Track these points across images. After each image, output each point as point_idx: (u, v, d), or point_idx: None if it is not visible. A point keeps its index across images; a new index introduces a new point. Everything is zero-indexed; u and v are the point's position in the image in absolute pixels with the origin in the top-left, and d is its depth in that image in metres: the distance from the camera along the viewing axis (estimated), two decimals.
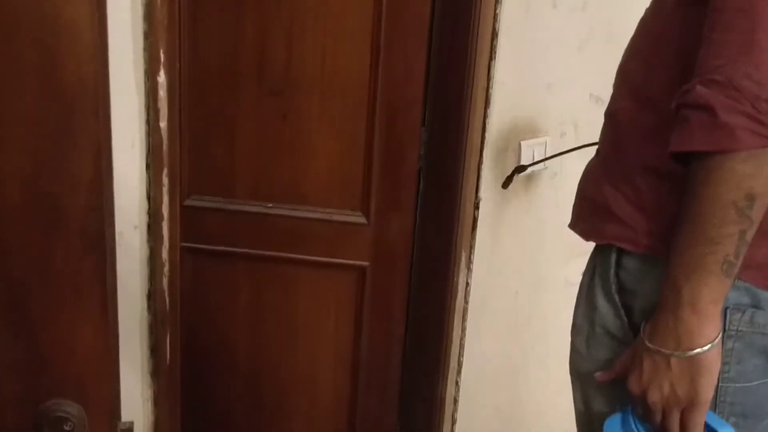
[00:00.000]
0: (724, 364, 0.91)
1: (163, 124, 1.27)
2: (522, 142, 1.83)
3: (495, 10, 1.67)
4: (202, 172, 1.85)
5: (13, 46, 0.59)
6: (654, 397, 0.91)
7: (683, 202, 0.88)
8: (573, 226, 1.11)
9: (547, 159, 1.82)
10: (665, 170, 0.93)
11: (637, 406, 0.96)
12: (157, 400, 1.41)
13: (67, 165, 0.62)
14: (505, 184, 1.38)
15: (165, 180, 1.32)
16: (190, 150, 1.82)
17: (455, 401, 1.92)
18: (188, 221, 1.83)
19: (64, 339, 0.66)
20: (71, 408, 0.69)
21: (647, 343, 0.91)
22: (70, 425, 0.68)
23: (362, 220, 1.85)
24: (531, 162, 1.39)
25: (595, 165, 1.08)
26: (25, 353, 0.66)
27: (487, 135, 1.76)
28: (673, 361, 0.89)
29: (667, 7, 0.96)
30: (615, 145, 1.02)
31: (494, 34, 1.69)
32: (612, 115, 1.05)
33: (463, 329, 1.87)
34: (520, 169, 1.37)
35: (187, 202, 1.85)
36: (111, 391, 0.70)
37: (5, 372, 0.67)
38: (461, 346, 1.88)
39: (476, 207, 1.80)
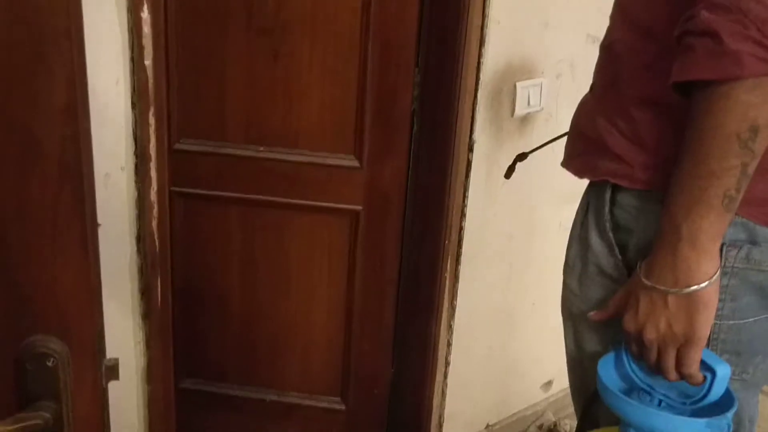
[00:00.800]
0: (720, 300, 0.90)
1: (148, 61, 1.24)
2: (517, 84, 1.80)
3: None
4: (192, 115, 1.82)
5: None
6: (650, 334, 0.90)
7: (684, 134, 0.85)
8: (566, 164, 1.09)
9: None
10: (664, 102, 0.90)
11: (632, 344, 0.95)
12: (149, 343, 1.40)
13: (39, 91, 0.60)
14: (508, 173, 1.35)
15: (152, 120, 1.29)
16: (178, 92, 1.79)
17: (449, 344, 1.92)
18: (178, 165, 1.80)
19: (44, 272, 0.65)
20: (54, 344, 0.67)
21: (644, 280, 0.90)
22: (53, 361, 0.67)
23: (355, 163, 1.82)
24: (532, 148, 1.35)
25: (589, 100, 1.06)
26: (3, 287, 0.65)
27: (481, 76, 1.73)
28: (671, 298, 0.88)
29: None
30: (611, 78, 1.00)
31: None
32: (608, 48, 1.02)
33: (457, 273, 1.87)
34: (522, 156, 1.34)
35: (177, 146, 1.82)
36: (94, 326, 0.68)
37: None
38: (455, 290, 1.88)
39: (470, 149, 1.77)
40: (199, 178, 1.86)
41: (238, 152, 1.83)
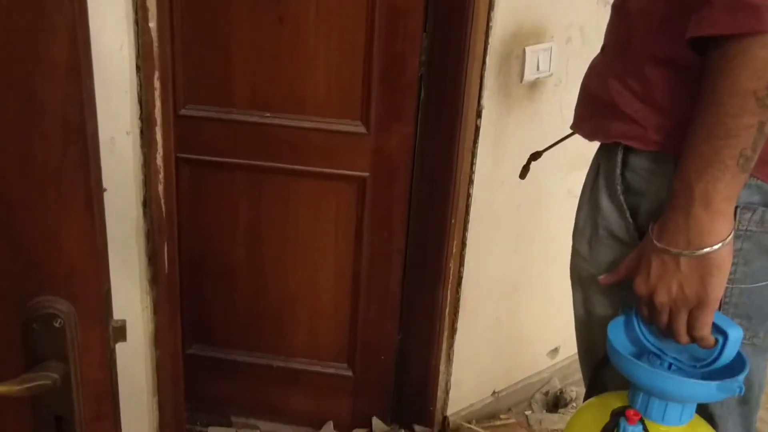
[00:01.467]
0: (732, 264, 0.89)
1: (152, 24, 1.22)
2: (526, 48, 1.78)
3: None
4: (197, 81, 1.80)
5: None
6: (662, 297, 0.90)
7: (700, 93, 0.84)
8: (575, 126, 1.08)
9: None
10: (679, 62, 0.89)
11: (642, 307, 0.95)
12: (157, 308, 1.41)
13: (41, 49, 0.59)
14: (522, 174, 1.33)
15: (157, 83, 1.27)
16: (183, 57, 1.77)
17: (455, 312, 1.92)
18: (184, 131, 1.79)
19: (49, 233, 0.64)
20: (60, 305, 0.67)
21: (655, 242, 0.89)
22: (60, 321, 0.67)
23: (362, 129, 1.81)
24: (546, 147, 1.33)
25: (599, 61, 1.04)
26: (9, 248, 0.64)
27: (490, 41, 1.70)
28: (683, 260, 0.87)
29: None
30: (623, 38, 0.98)
31: None
32: (620, 7, 1.00)
33: (464, 241, 1.86)
34: (536, 155, 1.32)
35: (183, 112, 1.81)
36: (100, 287, 0.68)
37: None
38: (462, 258, 1.88)
39: (479, 115, 1.75)
40: (205, 145, 1.85)
41: (244, 118, 1.82)
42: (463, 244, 1.86)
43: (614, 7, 1.02)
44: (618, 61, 0.98)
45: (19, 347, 0.67)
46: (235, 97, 1.81)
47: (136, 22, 1.21)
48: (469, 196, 1.81)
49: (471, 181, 1.80)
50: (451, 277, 1.88)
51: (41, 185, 0.63)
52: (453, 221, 1.82)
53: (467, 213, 1.83)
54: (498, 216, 1.91)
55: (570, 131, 1.20)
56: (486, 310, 2.02)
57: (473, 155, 1.78)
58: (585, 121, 1.05)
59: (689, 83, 0.87)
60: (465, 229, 1.85)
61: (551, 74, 1.83)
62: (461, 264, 1.89)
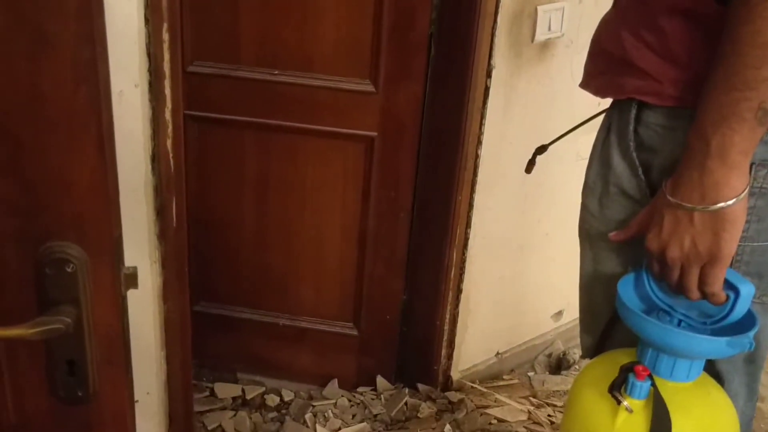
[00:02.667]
0: (745, 222, 0.88)
1: None
2: (538, 7, 1.75)
3: None
4: (205, 37, 1.79)
5: None
6: (674, 253, 0.89)
7: (719, 44, 0.82)
8: (585, 84, 1.06)
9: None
10: (698, 12, 0.87)
11: (653, 263, 0.94)
12: (165, 263, 1.41)
13: None
14: (528, 168, 1.31)
15: (165, 36, 1.26)
16: (191, 13, 1.75)
17: (461, 271, 1.93)
18: (192, 88, 1.78)
19: (60, 176, 0.64)
20: (72, 249, 0.67)
21: (669, 197, 0.88)
22: (72, 267, 0.67)
23: (371, 88, 1.79)
24: (552, 140, 1.31)
25: (612, 16, 1.02)
26: (20, 190, 0.64)
27: None
28: (696, 215, 0.86)
29: None
30: None
31: None
32: None
33: (472, 201, 1.86)
34: (542, 149, 1.30)
35: (191, 69, 1.80)
36: (112, 232, 0.68)
37: (1, 209, 0.64)
38: (469, 218, 1.87)
39: (488, 75, 1.74)
40: (213, 102, 1.84)
41: (252, 75, 1.80)
42: (470, 205, 1.86)
43: None
44: (632, 14, 0.96)
45: (32, 291, 0.67)
46: (243, 54, 1.79)
47: None
48: (477, 156, 1.80)
49: (479, 142, 1.79)
50: (457, 238, 1.88)
51: (52, 124, 0.63)
52: (460, 181, 1.81)
53: (475, 173, 1.83)
54: (506, 177, 1.90)
55: (577, 123, 1.19)
56: (491, 272, 2.02)
57: (482, 115, 1.77)
58: (595, 78, 1.03)
59: (708, 34, 0.85)
60: (473, 189, 1.84)
61: (563, 35, 1.80)
62: (468, 224, 1.88)
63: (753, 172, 0.89)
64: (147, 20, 1.24)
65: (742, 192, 0.85)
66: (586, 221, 1.08)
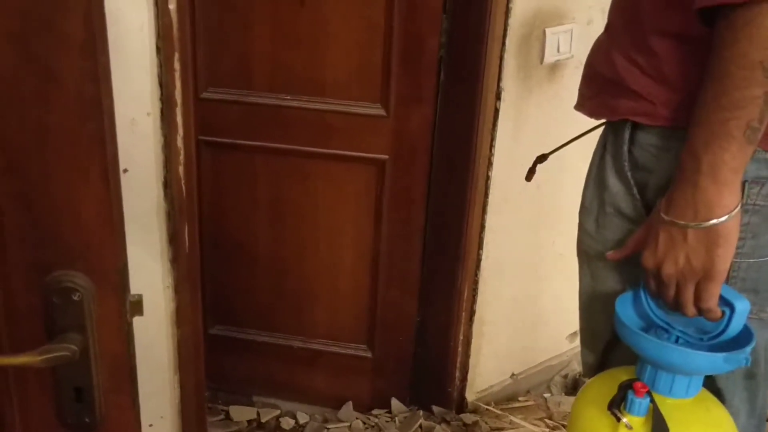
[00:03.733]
0: (740, 238, 0.89)
1: (172, 6, 1.23)
2: (547, 30, 1.76)
3: None
4: (217, 64, 1.82)
5: None
6: (669, 269, 0.90)
7: (707, 65, 0.83)
8: (580, 106, 1.07)
9: None
10: (687, 35, 0.88)
11: (650, 281, 0.95)
12: (178, 288, 1.43)
13: (57, 25, 0.60)
14: (528, 176, 1.33)
15: (177, 65, 1.29)
16: (205, 41, 1.79)
17: (474, 293, 1.93)
18: (206, 114, 1.81)
19: (67, 208, 0.66)
20: (79, 279, 0.69)
21: (663, 215, 0.89)
22: (78, 295, 0.69)
23: (382, 112, 1.81)
24: (553, 149, 1.33)
25: (604, 40, 1.03)
26: (28, 221, 0.66)
27: (510, 22, 1.69)
28: (690, 232, 0.87)
29: None
30: (629, 13, 0.97)
31: None
32: None
33: (483, 222, 1.86)
34: (542, 158, 1.32)
35: (204, 95, 1.83)
36: (118, 262, 0.69)
37: (9, 240, 0.66)
38: (481, 240, 1.88)
39: (498, 97, 1.75)
40: (226, 127, 1.87)
41: (265, 101, 1.83)
42: (482, 226, 1.86)
43: None
44: (624, 36, 0.97)
45: (40, 319, 0.69)
46: (255, 80, 1.82)
47: (156, 3, 1.22)
48: (488, 177, 1.81)
49: (490, 163, 1.80)
50: (470, 259, 1.89)
51: (58, 159, 0.64)
52: (472, 203, 1.82)
53: (486, 195, 1.83)
54: (517, 197, 1.90)
55: (579, 133, 1.20)
56: (505, 292, 2.02)
57: (492, 137, 1.78)
58: (590, 100, 1.05)
59: (698, 56, 0.86)
60: (484, 210, 1.85)
61: (572, 56, 1.81)
62: (480, 246, 1.89)
63: (746, 189, 0.90)
64: (159, 49, 1.27)
65: (735, 209, 0.86)
66: (583, 241, 1.09)
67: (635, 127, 0.96)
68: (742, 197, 0.88)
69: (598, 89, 1.02)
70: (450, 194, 1.85)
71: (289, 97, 1.82)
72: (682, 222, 0.87)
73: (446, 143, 1.82)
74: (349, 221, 1.92)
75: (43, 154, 0.63)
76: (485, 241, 1.88)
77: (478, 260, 1.90)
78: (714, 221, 0.85)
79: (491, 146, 1.79)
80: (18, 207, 0.65)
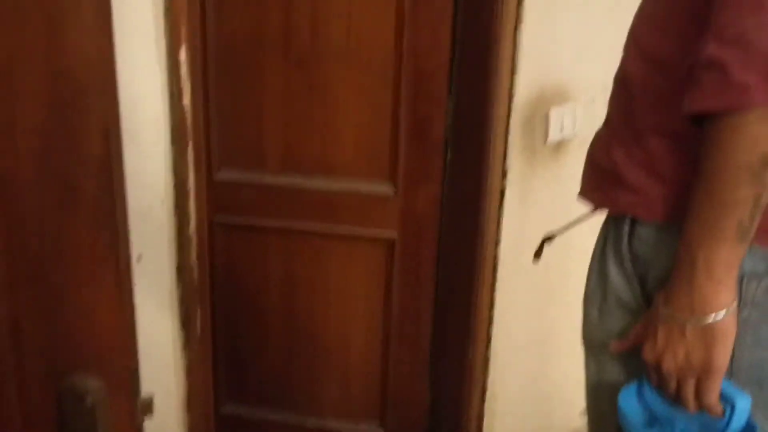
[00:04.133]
0: (740, 333, 0.89)
1: (186, 100, 1.28)
2: (551, 110, 1.80)
3: None
4: (232, 146, 1.87)
5: (24, 30, 0.59)
6: (668, 365, 0.90)
7: (698, 164, 0.85)
8: (583, 195, 1.09)
9: None
10: (680, 133, 0.91)
11: (651, 374, 0.95)
12: (190, 371, 1.44)
13: (76, 142, 0.63)
14: (536, 255, 1.36)
15: (190, 155, 1.33)
16: (219, 124, 1.84)
17: (485, 371, 1.92)
18: (219, 195, 1.85)
19: (82, 314, 0.68)
20: (92, 382, 0.70)
21: (662, 310, 0.90)
22: (91, 400, 0.70)
23: (390, 191, 1.85)
24: (560, 228, 1.36)
25: (604, 132, 1.06)
26: (44, 329, 0.68)
27: (514, 103, 1.74)
28: (688, 328, 0.88)
29: None
30: (626, 110, 1.00)
31: (519, 0, 1.65)
32: (622, 80, 1.02)
33: (493, 300, 1.87)
34: (549, 238, 1.35)
35: (218, 177, 1.87)
36: (130, 365, 0.71)
37: (26, 349, 0.68)
38: (490, 318, 1.88)
39: (504, 176, 1.78)
40: (239, 207, 1.90)
41: (276, 181, 1.87)
42: (492, 304, 1.87)
43: (616, 80, 1.05)
44: (621, 131, 1.00)
45: (53, 425, 0.70)
46: (267, 161, 1.87)
47: (171, 98, 1.27)
48: (496, 256, 1.83)
49: (498, 242, 1.82)
50: (480, 337, 1.89)
51: (74, 267, 0.67)
52: (481, 281, 1.83)
53: (495, 272, 1.84)
54: (526, 275, 1.91)
55: (585, 212, 1.22)
56: (518, 369, 2.01)
57: (499, 215, 1.80)
58: (592, 191, 1.07)
59: (692, 153, 0.88)
60: (493, 289, 1.85)
61: (575, 135, 1.85)
62: (490, 323, 1.89)
63: (745, 285, 0.90)
64: (173, 141, 1.32)
65: (731, 305, 0.86)
66: (588, 330, 1.10)
67: (634, 220, 0.98)
68: (740, 292, 0.89)
69: (600, 181, 1.04)
70: (458, 272, 1.86)
71: (300, 178, 1.86)
72: (681, 317, 0.88)
73: (454, 221, 1.85)
74: (359, 299, 1.93)
75: (60, 264, 0.66)
76: (495, 318, 1.88)
77: (489, 338, 1.90)
78: (712, 317, 0.86)
79: (498, 224, 1.81)
80: (35, 316, 0.68)
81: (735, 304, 0.87)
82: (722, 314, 0.86)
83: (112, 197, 0.65)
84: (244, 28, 1.74)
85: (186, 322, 1.40)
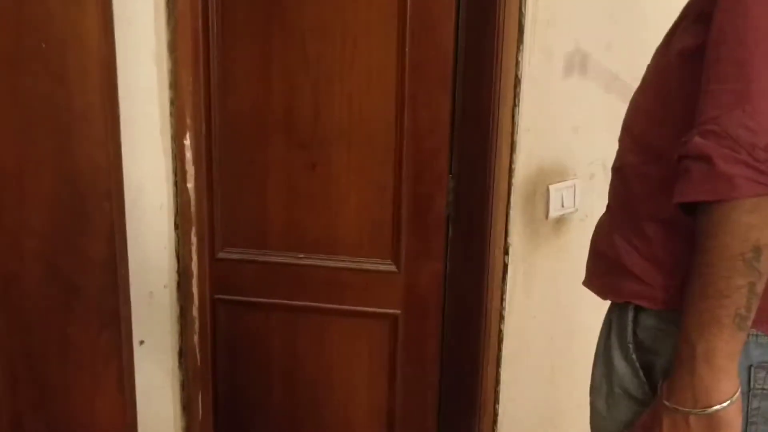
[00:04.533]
0: (751, 423, 0.88)
1: (190, 185, 1.31)
2: (550, 186, 1.83)
3: (517, 57, 1.68)
4: (235, 225, 1.88)
5: (36, 138, 0.61)
6: None
7: (693, 254, 0.86)
8: (588, 283, 1.10)
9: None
10: (678, 221, 0.92)
11: None
12: None
13: (82, 245, 0.64)
14: None
15: (194, 239, 1.34)
16: (222, 203, 1.86)
17: None
18: (222, 274, 1.86)
19: (83, 412, 0.68)
20: None
21: (665, 402, 0.89)
22: None
23: (393, 268, 1.85)
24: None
25: (605, 220, 1.08)
26: (46, 425, 0.68)
27: (514, 180, 1.76)
28: (692, 419, 0.87)
29: (670, 61, 0.96)
30: (624, 199, 1.02)
31: (517, 81, 1.70)
32: (619, 170, 1.05)
33: (498, 377, 1.85)
34: None
35: (220, 255, 1.88)
36: None
37: None
38: (497, 394, 1.86)
39: (506, 252, 1.79)
40: (242, 285, 1.90)
41: (279, 260, 1.88)
42: (497, 380, 1.85)
43: (614, 170, 1.07)
44: (621, 220, 1.01)
45: None
46: (270, 239, 1.88)
47: (176, 183, 1.29)
48: (500, 331, 1.82)
49: (502, 317, 1.82)
50: (486, 414, 1.86)
51: (77, 366, 0.68)
52: (485, 357, 1.82)
53: (500, 348, 1.83)
54: (531, 350, 1.90)
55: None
56: None
57: (503, 291, 1.81)
58: (596, 279, 1.08)
59: (690, 241, 0.89)
60: (498, 364, 1.84)
61: (576, 210, 1.87)
62: (496, 400, 1.87)
63: (753, 374, 0.90)
64: (177, 226, 1.33)
65: (735, 394, 0.86)
66: (596, 421, 1.08)
67: (638, 308, 0.98)
68: (749, 383, 0.88)
69: (604, 269, 1.05)
70: (463, 349, 1.85)
71: (302, 256, 1.87)
72: (684, 409, 0.87)
73: (457, 298, 1.85)
74: (363, 377, 1.91)
75: (63, 364, 0.67)
76: (501, 394, 1.86)
77: (495, 414, 1.87)
78: (715, 408, 0.85)
79: (502, 300, 1.81)
80: (37, 412, 0.68)
81: (739, 392, 0.86)
82: (727, 404, 0.85)
83: (116, 297, 0.66)
84: (247, 110, 1.78)
85: (187, 405, 1.38)
